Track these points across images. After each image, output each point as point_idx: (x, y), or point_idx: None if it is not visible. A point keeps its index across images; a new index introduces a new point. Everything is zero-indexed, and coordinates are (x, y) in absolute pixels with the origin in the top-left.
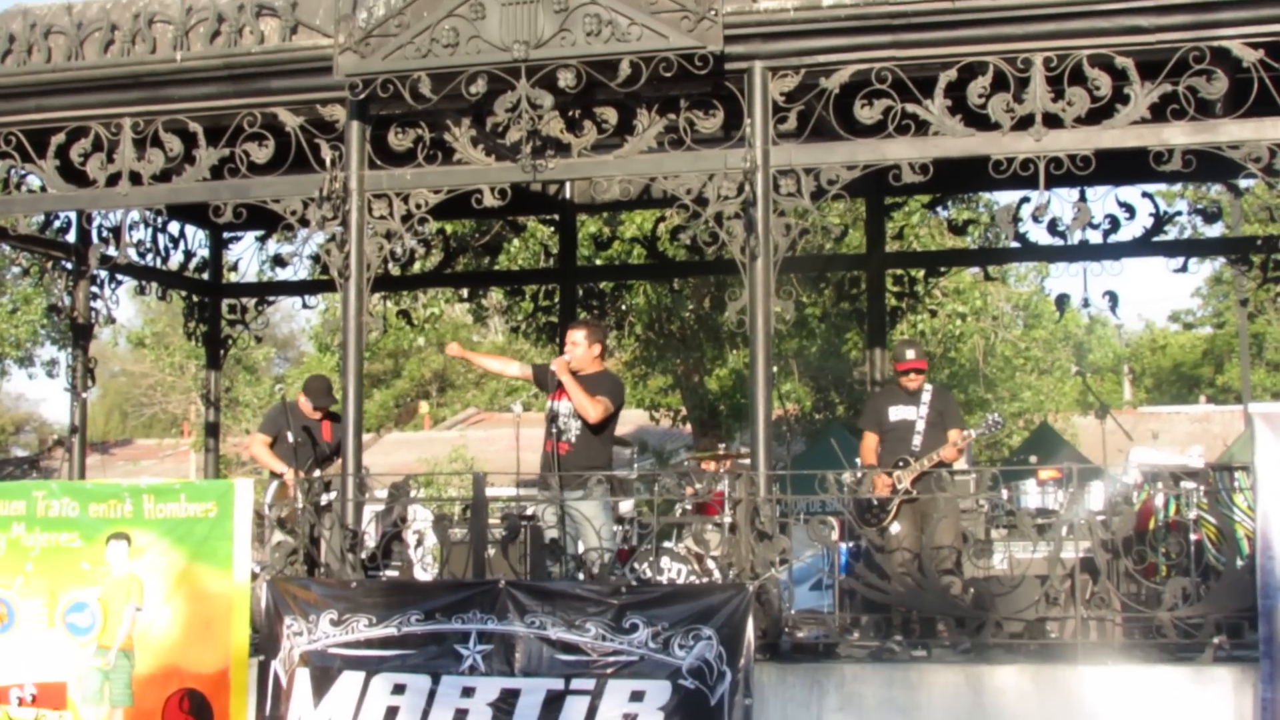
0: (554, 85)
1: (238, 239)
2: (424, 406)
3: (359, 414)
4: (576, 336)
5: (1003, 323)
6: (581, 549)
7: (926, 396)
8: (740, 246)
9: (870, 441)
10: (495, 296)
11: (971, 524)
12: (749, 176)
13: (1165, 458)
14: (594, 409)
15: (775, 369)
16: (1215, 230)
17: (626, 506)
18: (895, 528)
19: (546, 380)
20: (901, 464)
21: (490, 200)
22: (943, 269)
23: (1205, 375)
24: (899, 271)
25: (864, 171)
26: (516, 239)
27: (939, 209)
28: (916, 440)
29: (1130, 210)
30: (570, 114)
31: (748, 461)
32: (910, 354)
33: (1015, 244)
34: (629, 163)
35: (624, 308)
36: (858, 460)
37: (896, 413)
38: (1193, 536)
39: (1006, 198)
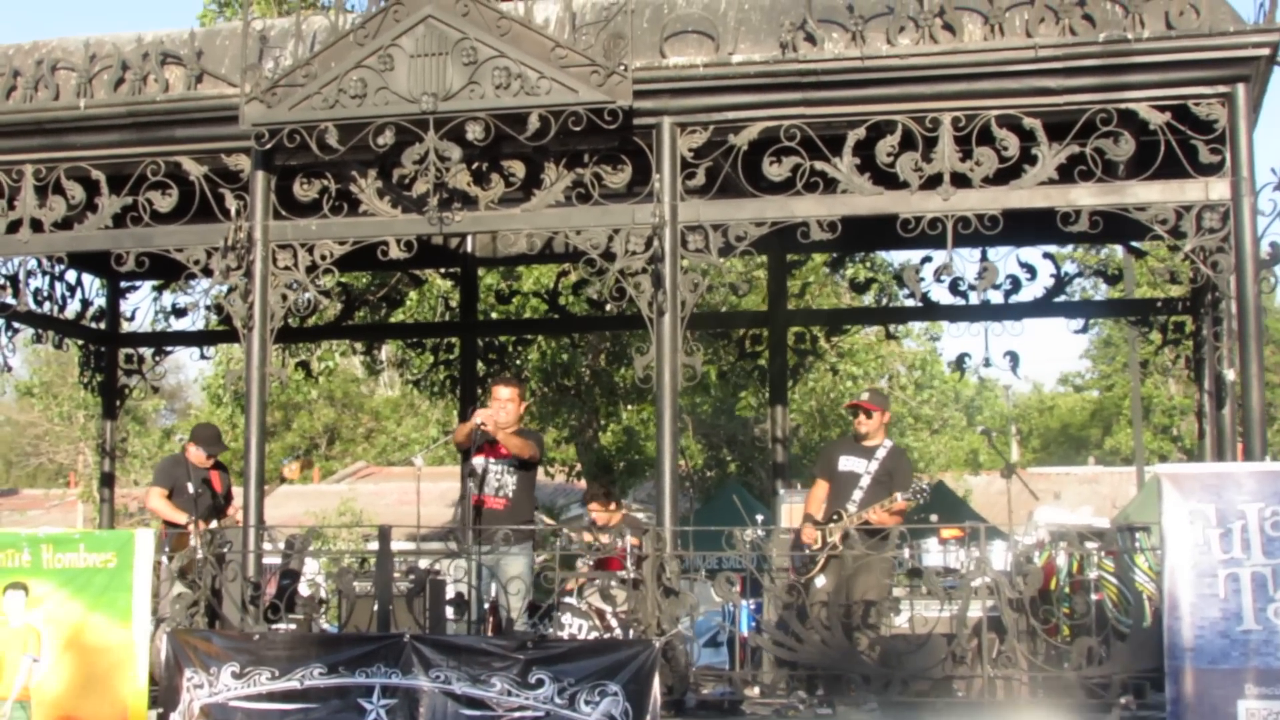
0: (462, 138)
1: (135, 288)
2: (286, 470)
3: (261, 465)
4: (508, 394)
5: (897, 383)
6: (498, 603)
7: (881, 453)
8: (648, 301)
9: (819, 490)
10: (390, 349)
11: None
12: (657, 232)
13: (1071, 517)
14: (534, 452)
15: None
16: (1102, 293)
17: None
18: (820, 581)
19: (474, 438)
20: (835, 518)
21: (396, 252)
22: (845, 327)
23: (1093, 436)
24: (800, 329)
25: (772, 228)
26: (415, 292)
27: (840, 268)
28: (857, 495)
29: (1032, 271)
30: (477, 167)
31: (641, 516)
32: (864, 395)
33: (917, 303)
34: (536, 216)
35: (519, 362)
36: (759, 517)
37: (846, 463)
38: (1093, 596)
39: (903, 257)
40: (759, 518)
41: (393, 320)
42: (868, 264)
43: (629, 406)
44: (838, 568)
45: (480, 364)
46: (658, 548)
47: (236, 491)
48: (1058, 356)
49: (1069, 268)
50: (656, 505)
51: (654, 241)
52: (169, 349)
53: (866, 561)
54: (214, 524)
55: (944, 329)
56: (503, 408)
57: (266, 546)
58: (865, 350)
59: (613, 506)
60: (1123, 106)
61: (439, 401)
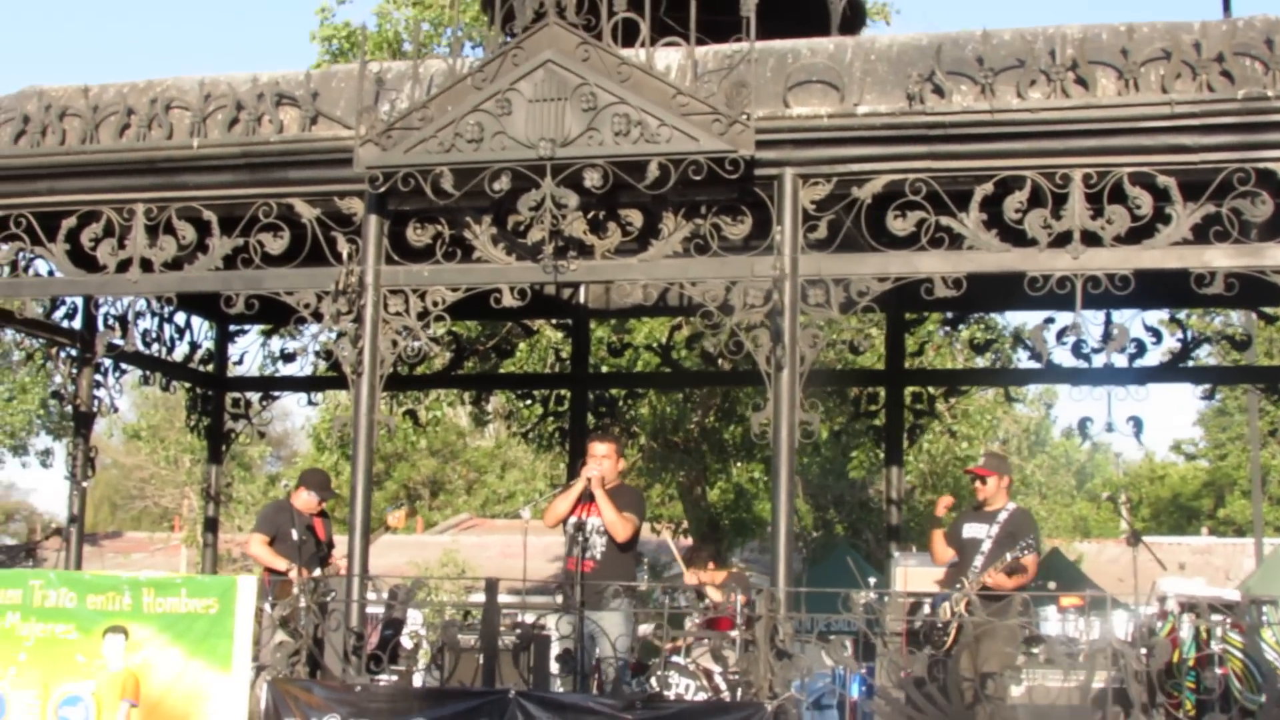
0: (579, 185)
1: (244, 332)
2: (390, 518)
3: (367, 513)
4: (604, 449)
5: (1010, 447)
6: (601, 662)
7: (1003, 516)
8: (765, 356)
9: (945, 555)
10: (498, 400)
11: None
12: (777, 285)
13: (1197, 588)
14: (624, 527)
15: None
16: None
17: (647, 628)
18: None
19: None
20: (958, 587)
21: (509, 300)
22: (963, 388)
23: (1204, 506)
24: (918, 389)
25: (895, 284)
26: (524, 343)
27: (956, 328)
28: (979, 561)
29: (1157, 335)
30: (594, 215)
31: (750, 576)
32: (980, 460)
33: (1037, 364)
34: (653, 267)
35: (629, 416)
36: (871, 580)
37: (969, 530)
38: (1218, 671)
39: (1021, 318)
40: (871, 580)
41: (502, 371)
42: (982, 325)
43: (738, 464)
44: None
45: (590, 417)
46: (771, 608)
47: (339, 540)
48: (1169, 424)
49: (1190, 331)
50: (770, 565)
51: (773, 295)
52: (276, 394)
53: (990, 629)
54: (317, 572)
55: (1057, 394)
56: (599, 464)
57: (370, 596)
58: (979, 412)
59: (711, 565)
60: (1261, 166)
61: (544, 454)
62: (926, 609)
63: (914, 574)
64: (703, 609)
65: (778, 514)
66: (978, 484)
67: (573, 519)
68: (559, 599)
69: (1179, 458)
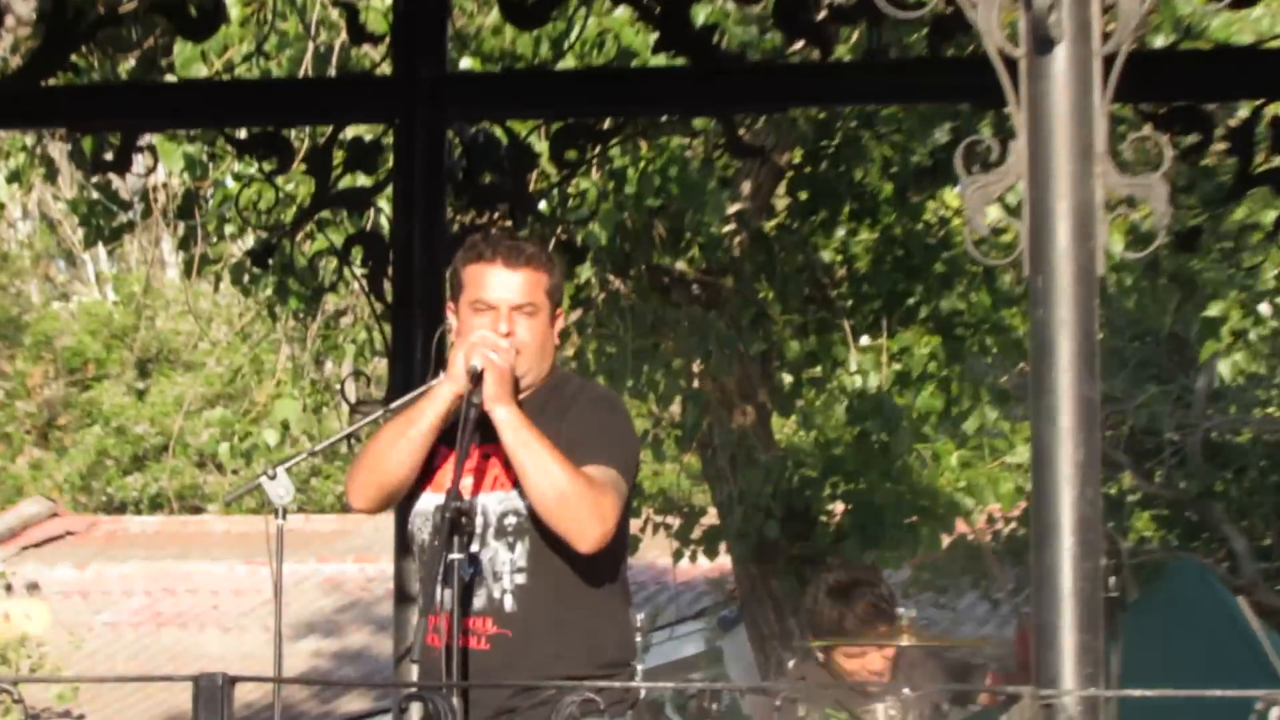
0: None
1: None
2: None
3: None
4: (516, 283)
5: None
6: None
7: None
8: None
9: None
10: (165, 164)
11: None
12: None
13: None
14: (597, 506)
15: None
16: None
17: None
18: None
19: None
20: None
21: None
22: None
23: None
24: None
25: None
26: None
27: None
28: None
29: None
30: None
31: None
32: None
33: None
34: None
35: (568, 206)
36: None
37: None
38: None
39: None
40: None
41: (183, 77)
42: None
43: (866, 339)
44: None
45: (475, 211)
46: None
47: None
48: None
49: None
50: (1035, 612)
51: None
52: None
53: None
54: None
55: None
56: (499, 329)
57: None
58: None
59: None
60: None
61: (293, 319)
62: None
63: None
64: None
65: (1051, 471)
66: None
67: (427, 494)
68: None
69: None
